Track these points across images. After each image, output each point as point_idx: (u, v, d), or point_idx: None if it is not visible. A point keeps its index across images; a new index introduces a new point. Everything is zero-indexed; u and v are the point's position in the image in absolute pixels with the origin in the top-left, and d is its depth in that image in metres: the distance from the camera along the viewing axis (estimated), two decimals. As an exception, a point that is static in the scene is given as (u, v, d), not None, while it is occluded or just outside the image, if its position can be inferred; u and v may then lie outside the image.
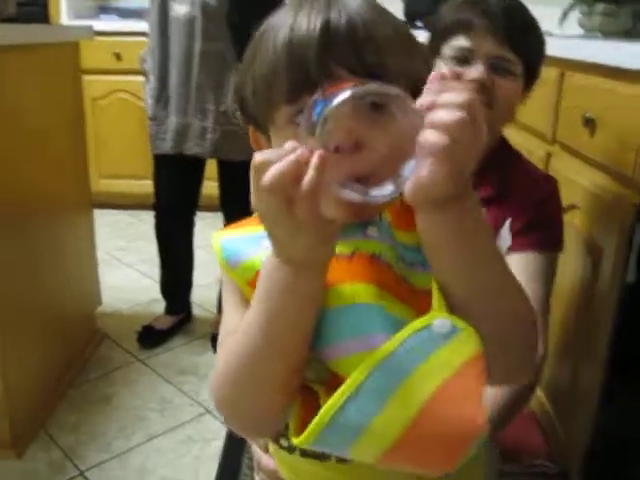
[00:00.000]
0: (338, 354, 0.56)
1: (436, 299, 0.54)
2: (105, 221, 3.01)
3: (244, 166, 2.12)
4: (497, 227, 1.05)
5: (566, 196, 1.48)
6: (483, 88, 0.98)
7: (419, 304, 0.56)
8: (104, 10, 3.42)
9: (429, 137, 0.46)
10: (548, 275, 1.05)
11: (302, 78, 0.54)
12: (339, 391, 0.52)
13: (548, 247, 1.06)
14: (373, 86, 0.49)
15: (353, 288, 0.56)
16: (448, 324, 0.53)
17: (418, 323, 0.53)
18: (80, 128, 2.08)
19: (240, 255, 0.61)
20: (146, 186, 2.39)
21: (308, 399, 0.58)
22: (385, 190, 0.50)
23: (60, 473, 1.52)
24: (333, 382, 0.55)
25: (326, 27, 0.54)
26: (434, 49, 1.05)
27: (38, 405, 1.71)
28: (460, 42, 1.01)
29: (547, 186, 1.10)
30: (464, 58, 1.01)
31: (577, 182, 1.43)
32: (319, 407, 0.53)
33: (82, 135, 2.09)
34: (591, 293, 1.37)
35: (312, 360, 0.58)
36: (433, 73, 0.50)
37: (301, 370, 0.57)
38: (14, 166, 1.60)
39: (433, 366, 0.53)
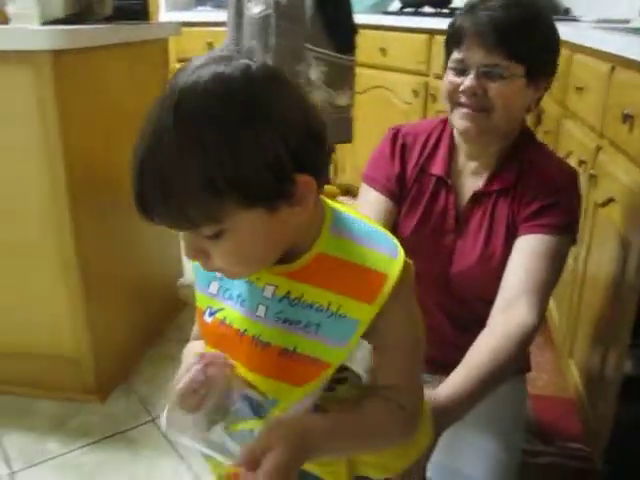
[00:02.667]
0: None
1: (270, 416, 0.68)
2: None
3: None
4: (511, 216, 1.14)
5: (607, 190, 1.54)
6: (475, 96, 1.08)
7: (295, 373, 0.68)
8: (200, 1, 3.64)
9: None
10: (554, 257, 1.09)
11: None
12: None
13: (557, 231, 1.10)
14: None
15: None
16: None
17: (249, 425, 0.69)
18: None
19: (196, 283, 0.77)
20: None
21: None
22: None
23: (135, 418, 1.75)
24: None
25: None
26: (448, 60, 1.14)
27: (121, 360, 1.95)
28: (455, 55, 1.10)
29: (564, 176, 1.15)
30: (461, 69, 1.09)
31: (618, 177, 1.48)
32: None
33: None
34: (620, 283, 1.43)
35: None
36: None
37: None
38: (111, 149, 1.82)
39: None
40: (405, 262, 0.68)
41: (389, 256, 0.68)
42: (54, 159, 1.60)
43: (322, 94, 2.01)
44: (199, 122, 0.58)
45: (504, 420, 1.23)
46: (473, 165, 1.19)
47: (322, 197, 0.71)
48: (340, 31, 1.99)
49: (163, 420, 0.69)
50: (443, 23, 2.69)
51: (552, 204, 1.11)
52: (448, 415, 0.95)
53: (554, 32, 1.12)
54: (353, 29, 2.09)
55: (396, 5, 3.31)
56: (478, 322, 1.08)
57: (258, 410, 0.68)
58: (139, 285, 2.09)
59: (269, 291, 0.69)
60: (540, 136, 2.42)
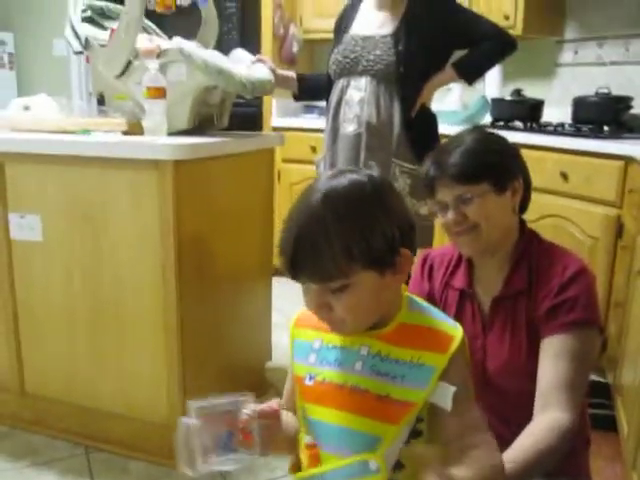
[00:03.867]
0: (321, 447, 0.93)
1: (381, 450, 0.87)
2: (287, 288, 3.47)
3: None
4: (529, 316, 1.28)
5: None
6: (460, 223, 1.28)
7: (390, 414, 0.87)
8: (308, 109, 4.01)
9: None
10: (579, 354, 1.21)
11: None
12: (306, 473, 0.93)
13: (576, 327, 1.22)
14: None
15: (338, 413, 0.91)
16: (377, 466, 0.87)
17: (362, 457, 0.87)
18: (269, 213, 2.55)
19: (295, 356, 1.00)
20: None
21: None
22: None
23: None
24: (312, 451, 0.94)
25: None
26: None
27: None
28: (435, 199, 1.32)
29: (572, 272, 1.26)
30: (442, 207, 1.31)
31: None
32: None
33: (270, 219, 2.55)
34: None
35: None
36: None
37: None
38: (217, 239, 2.09)
39: None
40: (463, 331, 0.93)
41: (452, 325, 0.94)
42: (167, 243, 1.89)
43: (406, 204, 2.21)
44: (342, 212, 0.85)
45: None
46: (489, 274, 1.36)
47: None
48: (424, 148, 2.19)
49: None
50: (531, 138, 2.90)
51: (565, 301, 1.24)
52: None
53: (501, 149, 1.33)
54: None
55: (489, 119, 3.52)
56: (521, 415, 1.21)
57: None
58: (231, 363, 2.30)
59: (364, 350, 0.92)
60: (618, 250, 2.49)
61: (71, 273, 2.04)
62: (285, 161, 3.82)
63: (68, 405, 2.15)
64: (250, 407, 0.92)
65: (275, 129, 3.87)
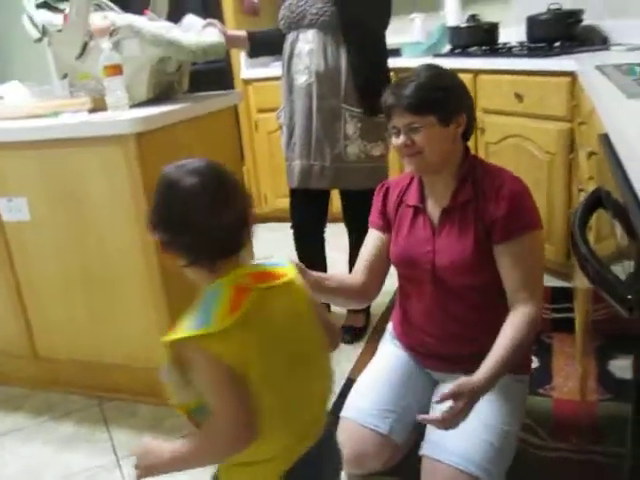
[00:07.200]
0: None
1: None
2: (278, 234, 3.65)
3: (358, 193, 2.61)
4: (479, 219, 1.51)
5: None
6: (408, 147, 1.49)
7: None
8: (276, 57, 4.04)
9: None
10: (531, 252, 1.49)
11: None
12: None
13: (525, 230, 1.48)
14: None
15: None
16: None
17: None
18: (238, 163, 2.74)
19: None
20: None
21: None
22: None
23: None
24: None
25: None
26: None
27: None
28: (390, 123, 1.52)
29: (514, 186, 1.52)
30: (396, 132, 1.51)
31: None
32: None
33: (240, 172, 2.73)
34: None
35: None
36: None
37: None
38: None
39: None
40: (215, 333, 1.03)
41: (206, 325, 1.06)
42: (140, 211, 2.06)
43: (358, 146, 2.38)
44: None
45: (495, 411, 1.54)
46: (438, 190, 1.59)
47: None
48: (369, 96, 2.30)
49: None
50: (486, 63, 3.00)
51: (512, 211, 1.48)
52: (483, 389, 1.36)
53: (449, 87, 1.52)
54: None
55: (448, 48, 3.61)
56: (464, 309, 1.55)
57: None
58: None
59: None
60: (573, 163, 2.63)
61: (60, 246, 2.24)
62: (260, 111, 3.93)
63: (77, 363, 2.39)
64: None
65: (245, 81, 3.97)
